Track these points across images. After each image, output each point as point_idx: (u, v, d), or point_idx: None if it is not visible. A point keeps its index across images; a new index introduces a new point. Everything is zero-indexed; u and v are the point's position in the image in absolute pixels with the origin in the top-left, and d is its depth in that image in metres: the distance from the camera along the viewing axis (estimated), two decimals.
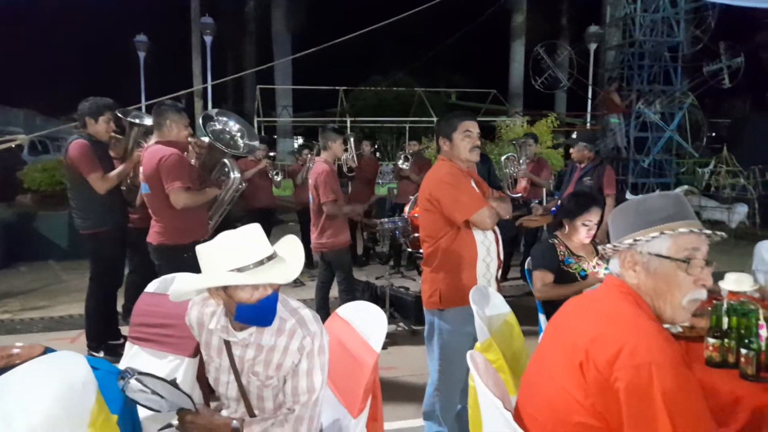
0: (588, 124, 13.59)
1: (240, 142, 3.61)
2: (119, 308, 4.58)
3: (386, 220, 5.18)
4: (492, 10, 14.65)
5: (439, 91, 17.62)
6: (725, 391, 1.74)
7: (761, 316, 1.97)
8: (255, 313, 1.69)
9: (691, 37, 12.24)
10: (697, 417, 1.29)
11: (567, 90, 15.29)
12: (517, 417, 1.56)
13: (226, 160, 3.65)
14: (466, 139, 2.80)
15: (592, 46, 13.78)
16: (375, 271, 7.03)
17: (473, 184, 2.85)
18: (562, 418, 1.41)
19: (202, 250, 1.69)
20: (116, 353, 3.85)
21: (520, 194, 5.64)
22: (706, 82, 12.14)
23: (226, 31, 16.51)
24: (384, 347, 4.53)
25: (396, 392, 3.74)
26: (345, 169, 7.63)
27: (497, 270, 2.85)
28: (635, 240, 1.43)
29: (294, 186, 7.75)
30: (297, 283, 6.32)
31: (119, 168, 4.18)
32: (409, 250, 5.57)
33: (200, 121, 3.50)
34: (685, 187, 11.67)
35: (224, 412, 1.88)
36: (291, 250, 1.82)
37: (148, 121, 4.13)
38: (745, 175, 9.86)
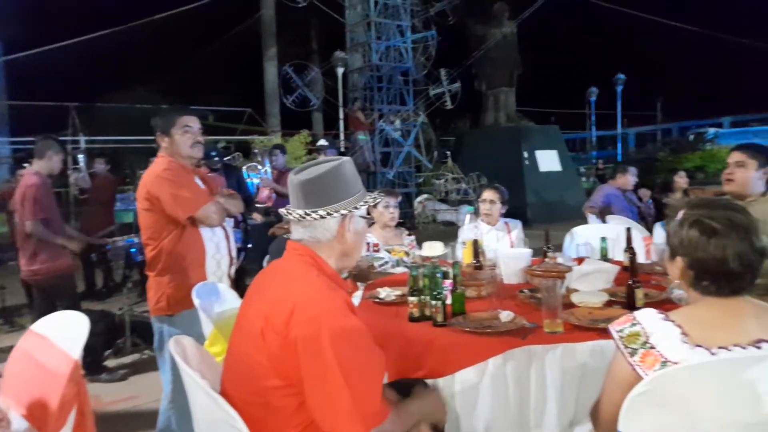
0: (342, 142, 14.49)
1: None
2: None
3: (118, 238, 4.70)
4: (240, 29, 14.66)
5: (193, 110, 16.98)
6: (421, 339, 1.96)
7: (450, 275, 2.30)
8: None
9: (421, 63, 14.08)
10: (362, 356, 1.41)
11: (323, 110, 16.08)
12: (225, 397, 1.52)
13: None
14: (186, 134, 2.71)
15: (340, 70, 14.78)
16: (119, 303, 6.30)
17: (198, 181, 2.76)
18: (254, 386, 1.44)
19: None
20: None
21: (264, 204, 5.63)
22: (433, 104, 14.05)
23: None
24: (124, 378, 4.16)
25: (137, 422, 3.43)
26: (77, 191, 6.72)
27: (229, 267, 2.80)
28: (356, 207, 1.57)
29: (8, 214, 6.42)
30: (14, 326, 5.29)
31: None
32: None
33: None
34: (425, 195, 13.27)
35: None
36: None
37: None
38: (467, 181, 11.57)
